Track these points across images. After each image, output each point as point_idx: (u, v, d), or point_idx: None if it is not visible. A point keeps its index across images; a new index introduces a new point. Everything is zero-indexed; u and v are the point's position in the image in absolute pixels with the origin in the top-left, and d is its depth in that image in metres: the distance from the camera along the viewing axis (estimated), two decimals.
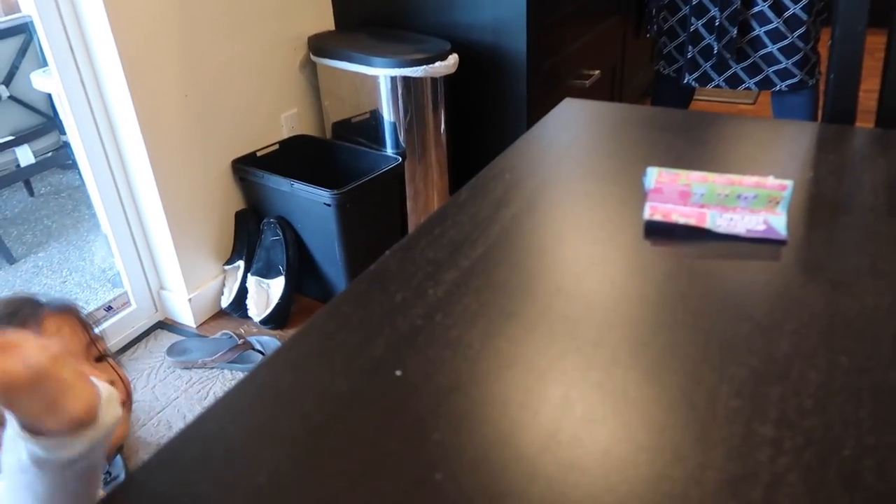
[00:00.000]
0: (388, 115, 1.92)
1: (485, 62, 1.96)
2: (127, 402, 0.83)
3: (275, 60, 1.96)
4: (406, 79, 1.85)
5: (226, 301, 1.90)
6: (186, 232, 1.80)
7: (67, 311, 0.82)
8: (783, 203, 0.71)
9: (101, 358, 0.83)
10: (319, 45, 1.98)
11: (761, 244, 0.68)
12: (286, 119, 2.04)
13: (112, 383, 0.80)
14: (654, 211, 0.73)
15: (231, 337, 1.76)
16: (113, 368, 0.83)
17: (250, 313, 1.85)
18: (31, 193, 2.89)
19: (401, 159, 1.88)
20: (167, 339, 1.82)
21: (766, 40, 1.95)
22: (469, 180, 0.83)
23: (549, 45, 2.03)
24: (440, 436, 0.47)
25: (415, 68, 1.81)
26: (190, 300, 1.85)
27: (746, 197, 0.72)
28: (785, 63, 1.97)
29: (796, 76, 1.98)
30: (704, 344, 0.55)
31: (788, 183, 0.71)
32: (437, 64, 1.82)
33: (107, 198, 1.73)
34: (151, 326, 1.88)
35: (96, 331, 0.86)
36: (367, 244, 1.81)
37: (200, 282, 1.88)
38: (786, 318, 0.56)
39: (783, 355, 0.52)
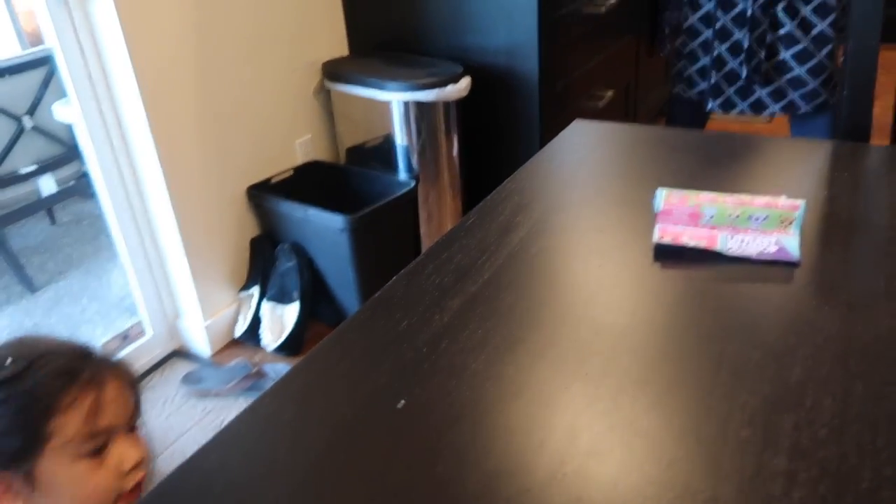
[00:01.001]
0: (401, 139, 1.93)
1: (497, 85, 1.97)
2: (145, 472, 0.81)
3: (289, 87, 1.98)
4: (419, 103, 1.86)
5: (240, 329, 1.90)
6: (202, 260, 1.82)
7: (122, 375, 0.80)
8: (795, 223, 0.69)
9: (133, 427, 0.81)
10: (333, 71, 2.01)
11: (774, 266, 0.66)
12: (300, 145, 2.06)
13: (140, 462, 0.78)
14: (664, 233, 0.72)
15: (245, 365, 1.76)
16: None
17: (264, 341, 1.85)
18: (53, 222, 2.94)
19: (414, 183, 1.89)
20: (182, 367, 1.83)
21: (794, 63, 1.91)
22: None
23: (562, 66, 2.04)
24: (442, 468, 0.46)
25: (427, 92, 1.82)
26: (205, 328, 1.86)
27: (758, 218, 0.70)
28: (813, 84, 1.92)
29: (822, 96, 1.94)
30: (715, 370, 0.53)
31: (800, 203, 0.70)
32: (450, 87, 1.83)
33: (124, 226, 1.75)
34: (167, 355, 1.89)
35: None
36: (381, 269, 1.80)
37: (216, 309, 1.89)
38: (799, 342, 0.55)
39: (796, 382, 0.51)
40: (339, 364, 0.57)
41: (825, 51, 1.90)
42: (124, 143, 1.69)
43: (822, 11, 1.85)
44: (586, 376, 0.54)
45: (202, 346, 1.88)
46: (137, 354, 1.82)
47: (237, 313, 1.93)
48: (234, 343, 1.92)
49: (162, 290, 1.86)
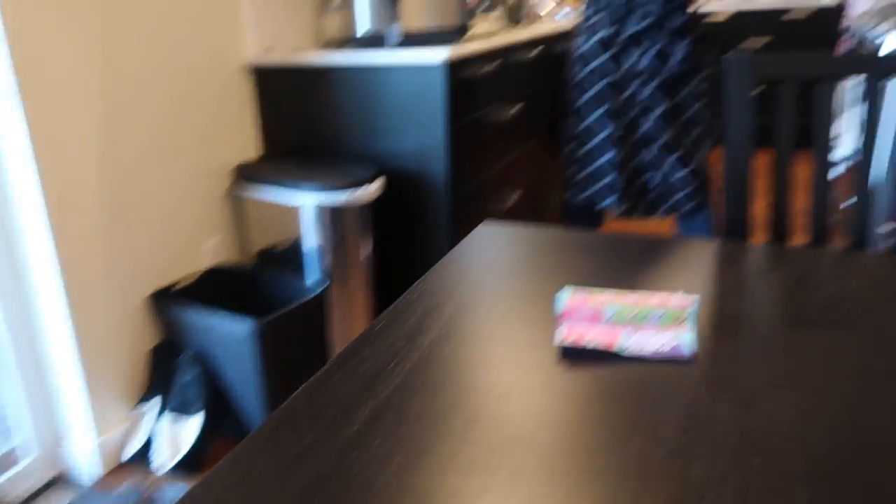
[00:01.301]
0: (312, 241, 1.93)
1: (408, 187, 2.02)
2: None
3: (199, 189, 1.96)
4: (331, 205, 1.87)
5: (133, 449, 1.76)
6: (96, 372, 1.70)
7: None
8: (689, 320, 0.73)
9: None
10: (244, 173, 2.00)
11: (670, 364, 0.69)
12: (209, 248, 2.01)
13: None
14: (567, 335, 0.73)
15: (135, 491, 1.62)
16: None
17: (159, 461, 1.72)
18: None
19: (324, 286, 1.87)
20: (64, 495, 1.66)
21: (677, 167, 2.11)
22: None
23: (470, 169, 2.12)
24: None
25: (338, 194, 1.84)
26: (94, 449, 1.71)
27: (655, 315, 0.73)
28: (692, 185, 2.12)
29: (697, 198, 2.14)
30: (623, 471, 0.53)
31: (692, 299, 0.74)
32: (361, 190, 1.86)
33: (4, 340, 1.62)
34: (47, 482, 1.71)
35: None
36: (289, 377, 1.74)
37: (108, 427, 1.75)
38: (697, 439, 0.56)
39: (696, 481, 0.52)
40: (235, 489, 0.54)
41: (699, 155, 2.13)
42: (9, 248, 1.60)
43: (693, 122, 2.09)
44: (496, 481, 0.53)
45: (91, 468, 1.73)
46: (12, 484, 1.64)
47: (130, 431, 1.80)
48: (127, 465, 1.78)
49: (44, 408, 1.72)
